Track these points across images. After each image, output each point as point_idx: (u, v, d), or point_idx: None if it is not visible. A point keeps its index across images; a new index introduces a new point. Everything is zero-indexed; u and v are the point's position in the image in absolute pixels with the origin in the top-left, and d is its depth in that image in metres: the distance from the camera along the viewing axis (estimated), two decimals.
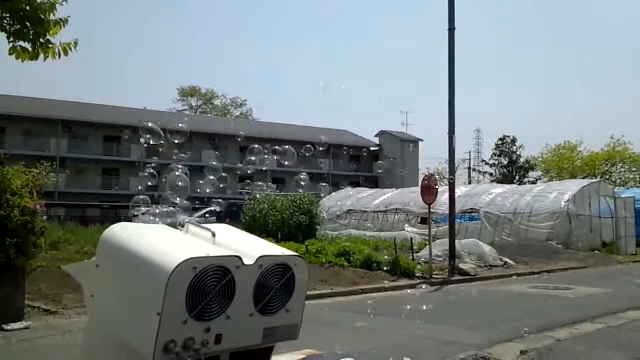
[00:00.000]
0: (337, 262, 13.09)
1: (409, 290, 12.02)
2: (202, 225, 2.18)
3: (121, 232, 2.07)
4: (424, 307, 9.71)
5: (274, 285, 2.01)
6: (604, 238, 23.26)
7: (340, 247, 14.27)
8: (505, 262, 16.70)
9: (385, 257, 13.73)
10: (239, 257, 1.88)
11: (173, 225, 4.00)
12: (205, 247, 2.00)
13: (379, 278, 12.62)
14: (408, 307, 9.43)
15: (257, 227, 17.93)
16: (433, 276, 13.40)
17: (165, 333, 1.71)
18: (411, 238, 16.36)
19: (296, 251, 11.28)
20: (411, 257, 14.78)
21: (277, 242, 15.91)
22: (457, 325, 8.06)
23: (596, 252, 21.58)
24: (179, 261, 1.74)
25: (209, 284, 1.80)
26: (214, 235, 2.04)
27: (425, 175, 16.40)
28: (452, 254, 14.26)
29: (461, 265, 14.55)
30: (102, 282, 1.99)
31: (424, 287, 12.37)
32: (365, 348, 6.51)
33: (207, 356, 1.78)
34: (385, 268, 12.86)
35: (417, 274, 13.21)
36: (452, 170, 15.78)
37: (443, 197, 16.90)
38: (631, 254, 22.79)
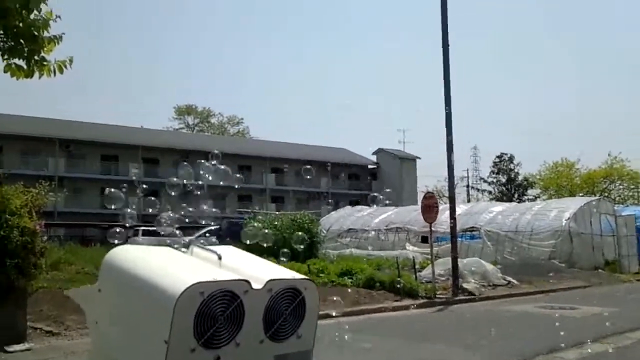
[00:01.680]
0: (340, 281, 12.95)
1: (413, 311, 11.89)
2: (207, 247, 2.06)
3: (124, 255, 1.95)
4: (429, 328, 9.58)
5: (284, 311, 1.89)
6: (606, 256, 23.13)
7: (342, 267, 14.13)
8: (509, 282, 16.54)
9: (388, 276, 13.60)
10: (248, 282, 1.77)
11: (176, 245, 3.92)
12: (212, 271, 1.89)
13: (382, 298, 12.47)
14: (413, 328, 9.30)
15: (256, 246, 17.79)
16: (437, 296, 13.25)
17: None
18: (413, 257, 16.23)
19: (298, 271, 11.13)
20: (414, 276, 14.63)
21: (277, 262, 15.77)
22: (463, 347, 7.93)
23: (599, 270, 21.44)
24: (186, 285, 1.64)
25: (218, 309, 1.69)
26: (220, 258, 1.93)
27: (426, 194, 16.31)
28: (455, 273, 14.11)
29: (465, 285, 14.40)
30: (106, 308, 1.87)
31: (428, 307, 12.24)
32: None
33: None
34: (388, 289, 12.73)
35: (420, 294, 13.06)
36: (452, 186, 15.70)
37: (443, 215, 16.78)
38: (635, 272, 22.64)
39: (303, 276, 1.97)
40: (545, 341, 8.35)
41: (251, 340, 1.79)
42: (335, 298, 11.65)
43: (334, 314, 10.90)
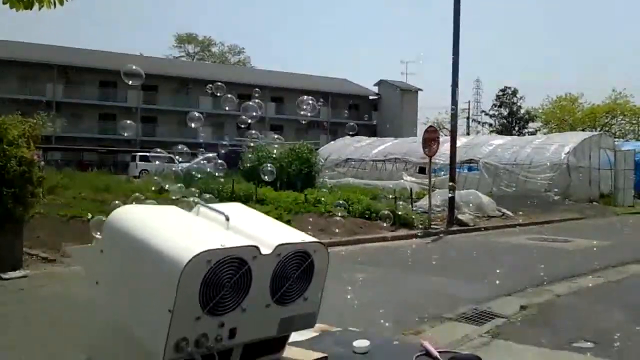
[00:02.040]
0: (336, 211, 13.02)
1: (408, 241, 12.03)
2: (215, 207, 1.97)
3: (128, 216, 1.87)
4: (424, 258, 9.71)
5: (292, 275, 1.84)
6: (602, 190, 23.27)
7: (339, 197, 14.20)
8: (504, 213, 16.71)
9: (385, 206, 13.70)
10: (257, 247, 1.71)
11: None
12: (220, 235, 1.81)
13: (378, 228, 12.60)
14: (408, 258, 9.43)
15: (255, 174, 17.80)
16: (432, 226, 13.39)
17: (177, 331, 1.57)
18: (411, 189, 16.28)
19: (295, 200, 11.17)
20: (410, 207, 14.74)
21: (275, 190, 15.86)
22: (457, 277, 8.05)
23: (594, 203, 21.62)
24: (192, 254, 1.58)
25: (225, 277, 1.64)
26: (227, 219, 1.86)
27: (428, 127, 16.20)
28: (452, 206, 14.22)
29: (460, 216, 14.53)
30: (108, 270, 1.83)
31: (423, 237, 12.39)
32: (368, 304, 6.48)
33: (219, 351, 1.65)
34: (385, 221, 12.83)
35: (416, 225, 13.19)
36: (454, 128, 15.59)
37: (443, 147, 16.72)
38: (628, 206, 22.86)
39: (313, 239, 1.90)
40: (537, 273, 8.46)
41: (257, 305, 1.76)
42: (331, 228, 11.78)
43: (330, 242, 11.06)
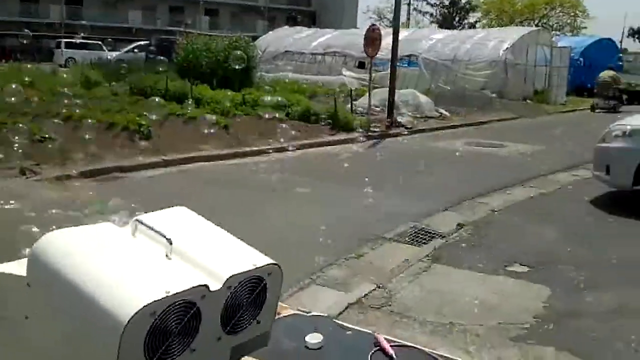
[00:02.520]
0: (275, 114, 12.71)
1: (347, 146, 11.98)
2: (156, 228, 1.67)
3: (55, 248, 1.57)
4: (363, 168, 9.69)
5: (244, 303, 1.64)
6: (536, 87, 23.65)
7: (278, 98, 13.82)
8: (442, 114, 16.83)
9: (324, 109, 13.50)
10: (206, 286, 1.48)
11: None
12: (163, 271, 1.56)
13: (317, 131, 12.47)
14: (347, 167, 9.36)
15: (190, 71, 17.04)
16: (371, 129, 13.35)
17: None
18: (351, 90, 16.01)
19: (233, 101, 10.63)
20: (349, 106, 14.59)
21: (212, 88, 15.28)
22: (394, 190, 8.00)
23: (528, 101, 22.04)
24: (133, 311, 1.35)
25: (171, 324, 1.43)
26: (170, 243, 1.59)
27: (371, 26, 15.69)
28: (391, 108, 14.15)
29: (399, 118, 14.53)
30: (38, 306, 1.56)
31: (362, 142, 12.36)
32: (307, 225, 6.44)
33: None
34: (324, 122, 12.69)
35: (355, 128, 13.10)
36: (396, 30, 15.18)
37: (384, 41, 16.30)
38: (561, 104, 23.50)
39: (266, 260, 1.64)
40: (472, 183, 8.62)
41: (208, 341, 1.55)
42: (270, 132, 11.54)
43: (269, 148, 10.88)
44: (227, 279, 1.58)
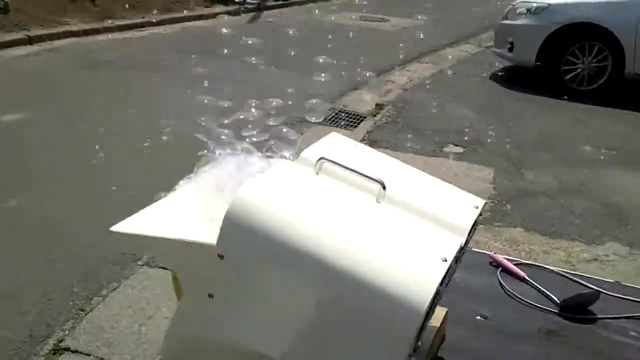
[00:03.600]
0: None
1: (227, 19, 11.10)
2: (364, 173, 1.22)
3: (266, 209, 1.09)
4: (253, 45, 8.99)
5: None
6: None
7: None
8: None
9: None
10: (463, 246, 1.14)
11: None
12: (408, 231, 1.18)
13: (192, 3, 11.36)
14: (236, 44, 8.63)
15: None
16: (248, 1, 12.45)
17: None
18: None
19: None
20: None
21: None
22: (295, 69, 7.46)
23: None
24: (425, 305, 0.96)
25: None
26: (384, 187, 1.17)
27: None
28: None
29: None
30: (232, 284, 1.07)
31: (241, 14, 11.53)
32: (227, 108, 5.86)
33: None
34: None
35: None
36: None
37: None
38: None
39: (481, 201, 1.35)
40: (371, 61, 8.31)
41: None
42: (142, 3, 10.34)
43: (142, 22, 9.76)
44: (469, 232, 1.26)
